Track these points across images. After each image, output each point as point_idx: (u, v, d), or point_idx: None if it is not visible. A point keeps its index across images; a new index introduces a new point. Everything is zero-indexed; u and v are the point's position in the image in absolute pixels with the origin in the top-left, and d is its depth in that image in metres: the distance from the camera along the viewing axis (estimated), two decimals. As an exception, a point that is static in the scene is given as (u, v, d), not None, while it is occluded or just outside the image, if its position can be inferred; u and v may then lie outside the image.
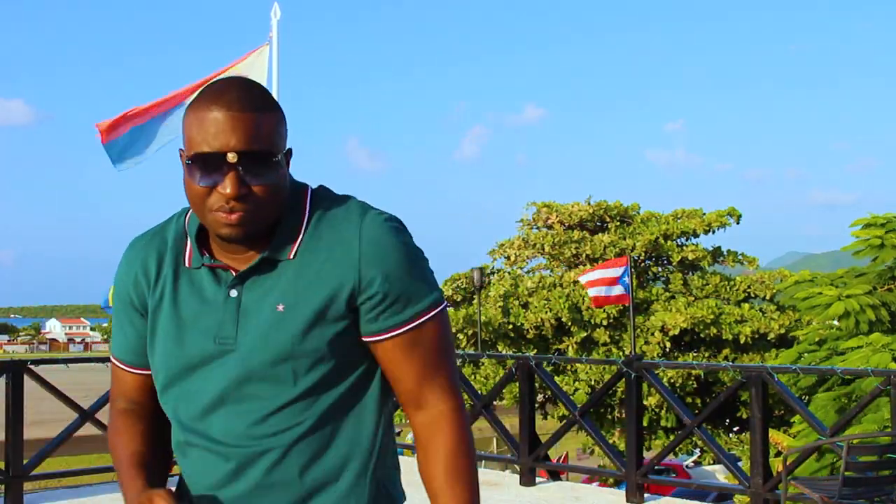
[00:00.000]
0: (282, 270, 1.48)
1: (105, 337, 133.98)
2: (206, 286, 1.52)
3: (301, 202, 1.51)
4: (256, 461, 1.47)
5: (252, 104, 1.42)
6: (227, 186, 1.39)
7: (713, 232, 21.37)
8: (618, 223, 21.83)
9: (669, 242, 21.19)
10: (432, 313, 1.51)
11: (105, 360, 8.80)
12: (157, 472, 1.57)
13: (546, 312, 19.78)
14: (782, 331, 19.55)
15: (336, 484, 1.49)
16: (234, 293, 1.49)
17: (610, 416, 19.77)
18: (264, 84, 9.27)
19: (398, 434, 12.24)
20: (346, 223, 1.48)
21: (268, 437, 1.46)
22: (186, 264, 1.54)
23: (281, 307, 1.46)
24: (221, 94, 1.42)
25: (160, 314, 1.54)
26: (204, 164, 1.40)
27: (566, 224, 21.83)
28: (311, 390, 1.46)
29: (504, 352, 20.01)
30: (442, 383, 1.52)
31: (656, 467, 8.19)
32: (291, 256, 1.48)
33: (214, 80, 1.50)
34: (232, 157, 1.38)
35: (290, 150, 1.52)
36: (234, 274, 1.50)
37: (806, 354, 12.39)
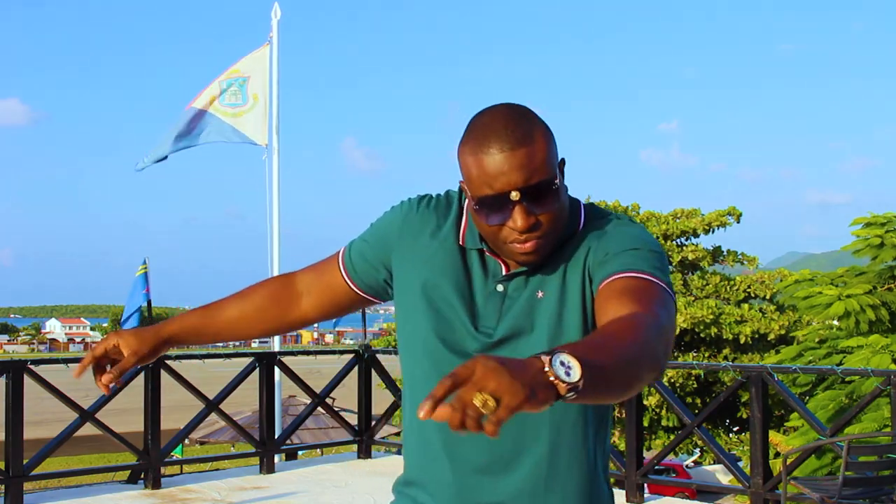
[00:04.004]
0: (545, 265, 1.59)
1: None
2: (475, 271, 1.62)
3: (577, 218, 1.61)
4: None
5: (523, 138, 1.48)
6: (516, 221, 1.48)
7: (713, 231, 21.36)
8: (618, 223, 21.86)
9: (669, 242, 21.20)
10: (658, 280, 1.47)
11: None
12: (205, 328, 1.80)
13: (546, 312, 19.82)
14: (782, 331, 19.54)
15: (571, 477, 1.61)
16: (500, 288, 1.59)
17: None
18: (264, 84, 9.32)
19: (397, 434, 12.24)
20: (599, 224, 1.60)
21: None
22: (461, 242, 1.63)
23: (540, 294, 1.58)
24: (491, 133, 1.48)
25: (425, 271, 1.63)
26: (490, 205, 1.49)
27: (566, 224, 21.86)
28: None
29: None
30: (653, 309, 1.39)
31: (656, 467, 8.19)
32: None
33: (482, 113, 1.54)
34: (515, 196, 1.47)
35: (563, 161, 1.58)
36: (505, 269, 1.60)
37: (805, 352, 12.39)
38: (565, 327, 1.55)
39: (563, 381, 1.16)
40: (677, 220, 21.43)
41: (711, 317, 19.16)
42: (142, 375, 7.03)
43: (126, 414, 12.01)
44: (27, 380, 6.44)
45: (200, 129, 8.94)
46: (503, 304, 1.58)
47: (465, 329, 1.59)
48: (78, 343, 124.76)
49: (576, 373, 1.17)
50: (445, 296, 1.61)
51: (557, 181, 1.50)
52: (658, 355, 1.32)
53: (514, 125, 1.48)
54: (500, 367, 1.12)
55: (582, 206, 1.62)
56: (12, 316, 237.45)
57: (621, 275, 1.47)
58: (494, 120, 1.49)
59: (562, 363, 1.17)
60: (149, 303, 7.49)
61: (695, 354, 19.75)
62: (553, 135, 1.54)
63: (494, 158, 1.46)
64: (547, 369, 1.15)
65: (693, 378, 18.84)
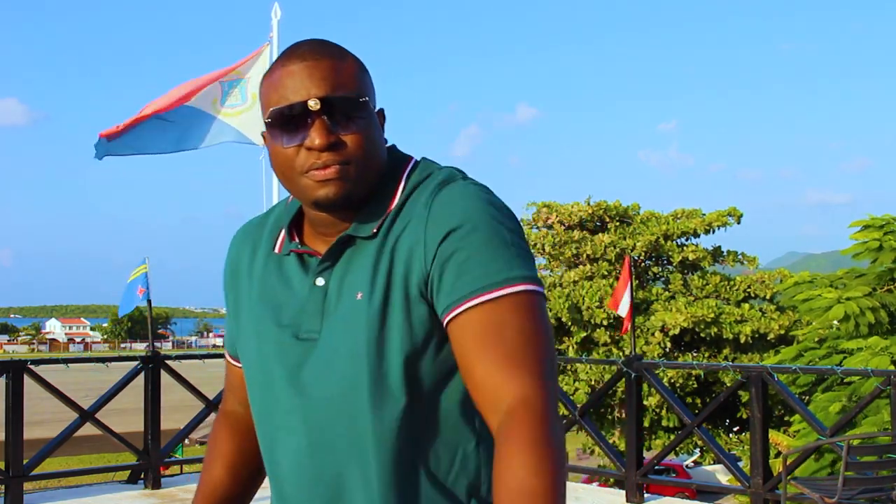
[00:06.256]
0: (363, 250, 1.31)
1: (105, 337, 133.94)
2: (293, 275, 1.37)
3: (398, 175, 1.35)
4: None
5: (329, 51, 1.30)
6: (314, 138, 1.26)
7: (713, 232, 21.38)
8: (618, 223, 21.84)
9: (670, 243, 21.20)
10: (514, 289, 1.23)
11: (105, 360, 8.82)
12: None
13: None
14: (782, 331, 19.55)
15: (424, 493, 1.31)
16: (320, 281, 1.33)
17: (610, 416, 19.77)
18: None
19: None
20: (425, 193, 1.31)
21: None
22: (276, 251, 1.40)
23: (360, 294, 1.29)
24: (294, 50, 1.31)
25: (245, 305, 1.42)
26: (285, 119, 1.27)
27: (566, 224, 21.83)
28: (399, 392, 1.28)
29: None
30: (521, 374, 1.20)
31: (656, 467, 8.19)
32: (374, 233, 1.31)
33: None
34: (314, 105, 1.25)
35: (382, 111, 1.37)
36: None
37: (805, 353, 12.41)
38: (387, 348, 1.27)
39: None
40: (678, 221, 21.44)
41: (711, 316, 19.18)
42: (142, 375, 7.03)
43: (126, 414, 12.00)
44: (27, 380, 6.45)
45: (202, 131, 8.92)
46: (324, 302, 1.32)
47: (275, 343, 1.35)
48: (78, 343, 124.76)
49: None
50: (255, 313, 1.40)
51: (367, 100, 1.29)
52: (557, 449, 1.16)
53: (321, 44, 1.32)
54: None
55: (411, 163, 1.38)
56: (12, 316, 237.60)
57: (471, 303, 1.23)
58: (300, 42, 1.32)
59: None
60: (149, 303, 7.48)
61: (695, 354, 19.76)
62: (371, 78, 1.36)
63: (294, 69, 1.28)
64: None
65: (693, 378, 18.85)
